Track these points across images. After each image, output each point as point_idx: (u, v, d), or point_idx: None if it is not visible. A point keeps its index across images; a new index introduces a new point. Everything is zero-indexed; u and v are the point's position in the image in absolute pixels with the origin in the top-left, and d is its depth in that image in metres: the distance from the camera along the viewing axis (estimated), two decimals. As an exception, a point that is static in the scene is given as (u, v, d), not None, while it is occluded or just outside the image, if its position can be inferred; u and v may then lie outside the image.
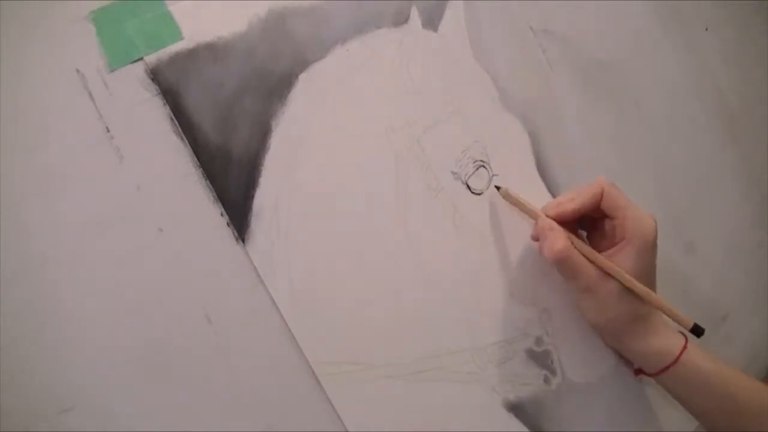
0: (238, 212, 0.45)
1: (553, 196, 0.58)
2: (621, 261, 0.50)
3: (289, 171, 0.47)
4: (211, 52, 0.45)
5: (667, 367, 0.51)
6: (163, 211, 0.43)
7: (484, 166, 0.54)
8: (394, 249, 0.50)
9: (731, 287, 0.70)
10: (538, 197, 0.57)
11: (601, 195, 0.51)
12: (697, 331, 0.50)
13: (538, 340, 0.55)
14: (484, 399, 0.51)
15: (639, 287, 0.50)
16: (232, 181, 0.45)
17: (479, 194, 0.54)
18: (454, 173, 0.53)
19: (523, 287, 0.55)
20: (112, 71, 0.43)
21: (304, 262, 0.46)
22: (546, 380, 0.54)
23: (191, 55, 0.45)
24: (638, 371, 0.56)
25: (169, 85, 0.44)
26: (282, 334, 0.45)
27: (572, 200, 0.51)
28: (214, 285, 0.44)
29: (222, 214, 0.45)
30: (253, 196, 0.45)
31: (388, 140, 0.51)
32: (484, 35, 0.57)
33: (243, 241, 0.45)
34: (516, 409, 0.53)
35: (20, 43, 0.41)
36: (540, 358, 0.55)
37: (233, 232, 0.45)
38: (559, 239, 0.49)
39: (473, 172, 0.54)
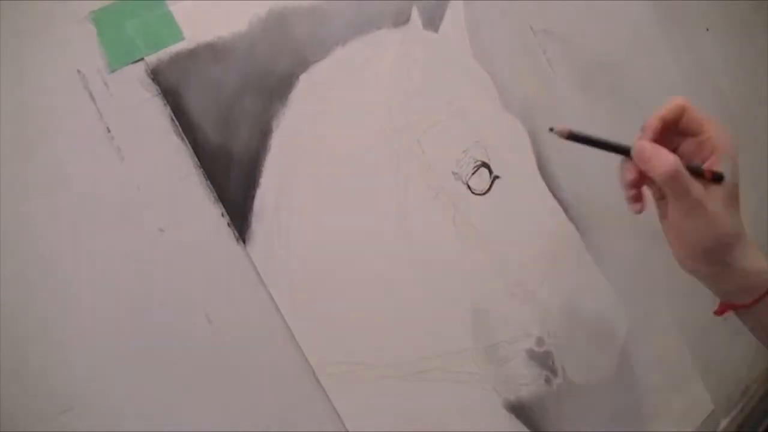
0: (238, 212, 0.45)
1: (554, 195, 0.58)
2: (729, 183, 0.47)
3: (289, 171, 0.47)
4: (211, 52, 0.45)
5: (761, 297, 0.48)
6: (164, 211, 0.43)
7: (484, 166, 0.54)
8: (395, 249, 0.50)
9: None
10: (539, 197, 0.57)
11: (682, 110, 0.48)
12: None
13: (539, 341, 0.55)
14: (485, 399, 0.51)
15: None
16: (233, 181, 0.45)
17: (480, 194, 0.54)
18: (454, 173, 0.53)
19: (523, 287, 0.55)
20: (113, 71, 0.43)
21: (305, 262, 0.46)
22: (547, 381, 0.54)
23: (192, 55, 0.45)
24: (724, 308, 0.51)
25: (169, 85, 0.44)
26: (282, 334, 0.45)
27: (655, 117, 0.48)
28: (214, 285, 0.44)
29: (222, 215, 0.45)
30: (253, 197, 0.45)
31: (388, 140, 0.51)
32: (484, 36, 0.57)
33: (244, 241, 0.45)
34: (516, 409, 0.53)
35: (21, 43, 0.41)
36: (541, 358, 0.55)
37: (234, 233, 0.45)
38: (667, 155, 0.45)
39: (473, 172, 0.54)
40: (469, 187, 0.54)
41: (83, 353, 0.40)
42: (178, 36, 0.44)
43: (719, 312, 0.52)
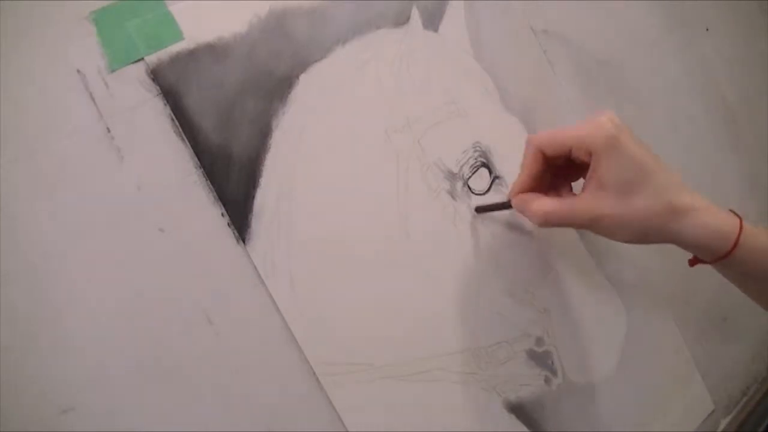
0: (238, 213, 0.45)
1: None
2: (605, 174, 0.45)
3: (289, 171, 0.47)
4: (211, 52, 0.45)
5: (726, 254, 0.47)
6: (164, 211, 0.43)
7: (484, 166, 0.54)
8: (395, 249, 0.50)
9: (731, 288, 0.69)
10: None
11: (540, 151, 0.49)
12: None
13: (539, 341, 0.55)
14: (485, 399, 0.52)
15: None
16: (233, 181, 0.45)
17: (480, 194, 0.54)
18: (454, 173, 0.53)
19: (523, 288, 0.55)
20: (113, 71, 0.43)
21: (305, 263, 0.46)
22: (546, 381, 0.54)
23: (192, 55, 0.45)
24: (694, 260, 0.51)
25: (169, 86, 0.44)
26: (282, 334, 0.45)
27: (520, 175, 0.50)
28: (214, 285, 0.44)
29: (223, 215, 0.45)
30: (253, 197, 0.45)
31: (388, 141, 0.51)
32: (484, 35, 0.57)
33: (244, 241, 0.45)
34: (516, 409, 0.53)
35: (21, 43, 0.41)
36: (540, 358, 0.55)
37: (234, 233, 0.45)
38: (533, 207, 0.48)
39: (474, 173, 0.54)
40: (469, 187, 0.54)
41: (84, 353, 0.40)
42: (178, 36, 0.44)
43: (691, 263, 0.51)
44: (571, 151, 0.47)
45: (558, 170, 0.50)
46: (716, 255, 0.47)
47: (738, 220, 0.47)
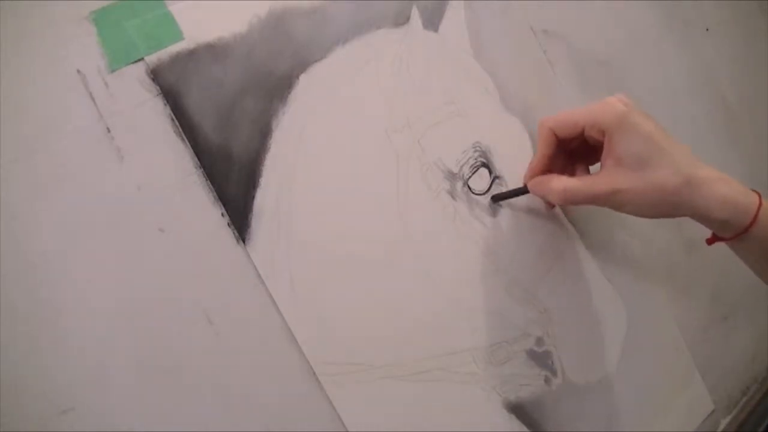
0: (238, 213, 0.45)
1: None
2: (620, 150, 0.46)
3: (289, 172, 0.47)
4: (211, 52, 0.45)
5: (745, 229, 0.46)
6: (164, 211, 0.43)
7: (484, 166, 0.54)
8: (395, 249, 0.50)
9: (731, 288, 0.70)
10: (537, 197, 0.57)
11: (553, 133, 0.50)
12: None
13: (539, 341, 0.55)
14: (485, 399, 0.51)
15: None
16: (233, 181, 0.45)
17: (480, 195, 0.54)
18: (454, 173, 0.53)
19: (523, 288, 0.55)
20: (113, 71, 0.43)
21: (305, 263, 0.46)
22: (546, 381, 0.54)
23: (192, 55, 0.45)
24: (713, 239, 0.51)
25: (169, 86, 0.44)
26: (282, 334, 0.45)
27: (535, 157, 0.51)
28: (214, 286, 0.44)
29: (222, 215, 0.45)
30: (253, 197, 0.45)
31: (388, 141, 0.51)
32: (484, 36, 0.57)
33: (244, 241, 0.45)
34: (516, 409, 0.53)
35: (21, 43, 0.41)
36: (540, 358, 0.55)
37: (234, 233, 0.45)
38: (552, 185, 0.49)
39: (474, 173, 0.54)
40: (469, 187, 0.54)
41: (83, 353, 0.40)
42: (178, 36, 0.44)
43: (709, 242, 0.51)
44: (584, 130, 0.48)
45: (572, 153, 0.52)
46: (735, 230, 0.47)
47: (757, 196, 0.47)
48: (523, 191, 0.53)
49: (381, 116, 0.51)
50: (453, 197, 0.53)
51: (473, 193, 0.54)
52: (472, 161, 0.54)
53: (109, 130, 0.42)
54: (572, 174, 0.52)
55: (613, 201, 0.48)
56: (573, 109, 0.49)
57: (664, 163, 0.46)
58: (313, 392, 0.46)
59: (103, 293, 0.41)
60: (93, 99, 0.42)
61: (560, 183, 0.49)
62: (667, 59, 0.71)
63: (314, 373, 0.46)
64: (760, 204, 0.46)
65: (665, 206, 0.47)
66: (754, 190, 0.48)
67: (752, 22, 0.81)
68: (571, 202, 0.49)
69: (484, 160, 0.54)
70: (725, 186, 0.46)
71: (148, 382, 0.41)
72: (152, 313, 0.42)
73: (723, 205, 0.46)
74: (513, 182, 0.56)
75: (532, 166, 0.52)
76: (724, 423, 0.68)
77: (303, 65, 0.48)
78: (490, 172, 0.55)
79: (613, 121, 0.46)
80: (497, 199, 0.54)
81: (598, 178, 0.48)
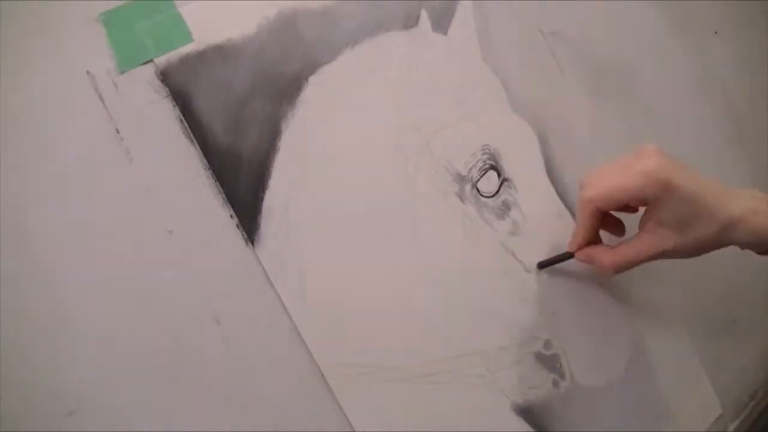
0: (247, 214, 0.45)
1: (561, 198, 0.58)
2: (663, 215, 0.49)
3: (298, 173, 0.47)
4: (220, 54, 0.45)
5: None
6: (173, 212, 0.43)
7: (493, 169, 0.54)
8: (404, 251, 0.50)
9: (740, 290, 0.69)
10: (546, 199, 0.57)
11: (597, 216, 0.51)
12: None
13: (547, 344, 0.54)
14: (493, 402, 0.51)
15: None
16: (242, 183, 0.45)
17: (489, 197, 0.54)
18: (463, 176, 0.53)
19: (531, 290, 0.55)
20: (122, 73, 0.43)
21: (314, 264, 0.46)
22: (555, 384, 0.54)
23: (201, 57, 0.45)
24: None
25: (178, 87, 0.44)
26: (291, 336, 0.45)
27: (579, 231, 0.53)
28: (223, 287, 0.44)
29: (231, 216, 0.45)
30: (262, 198, 0.45)
31: (397, 143, 0.51)
32: (493, 38, 0.57)
33: (252, 243, 0.45)
34: (525, 412, 0.52)
35: (30, 44, 0.41)
36: (549, 361, 0.54)
37: (243, 234, 0.45)
38: (602, 259, 0.52)
39: (483, 175, 0.54)
40: (477, 189, 0.53)
41: (90, 355, 0.40)
42: (187, 38, 0.44)
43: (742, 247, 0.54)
44: (628, 201, 0.50)
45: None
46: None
47: None
48: (568, 257, 0.54)
49: (390, 118, 0.51)
50: (462, 200, 0.53)
51: (482, 195, 0.54)
52: (480, 164, 0.54)
53: (118, 132, 0.42)
54: (607, 229, 0.55)
55: (657, 259, 0.51)
56: (609, 176, 0.50)
57: (704, 218, 0.48)
58: (321, 394, 0.46)
59: (111, 295, 0.41)
60: (102, 100, 0.42)
61: (608, 257, 0.52)
62: (675, 62, 0.71)
63: (322, 375, 0.46)
64: None
65: (708, 249, 0.51)
66: None
67: (760, 24, 0.81)
68: (621, 272, 0.52)
69: (493, 163, 0.54)
70: (755, 218, 0.49)
71: (156, 383, 0.41)
72: (160, 315, 0.42)
73: (758, 237, 0.49)
74: (522, 185, 0.55)
75: (578, 239, 0.53)
76: (732, 427, 0.68)
77: (312, 67, 0.48)
78: (499, 175, 0.55)
79: (656, 193, 0.47)
80: (543, 266, 0.55)
81: (643, 244, 0.50)
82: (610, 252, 0.52)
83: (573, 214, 0.58)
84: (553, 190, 0.58)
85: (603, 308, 0.59)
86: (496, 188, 0.54)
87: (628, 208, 0.53)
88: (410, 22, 0.53)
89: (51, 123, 0.41)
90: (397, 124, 0.51)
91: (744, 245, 0.51)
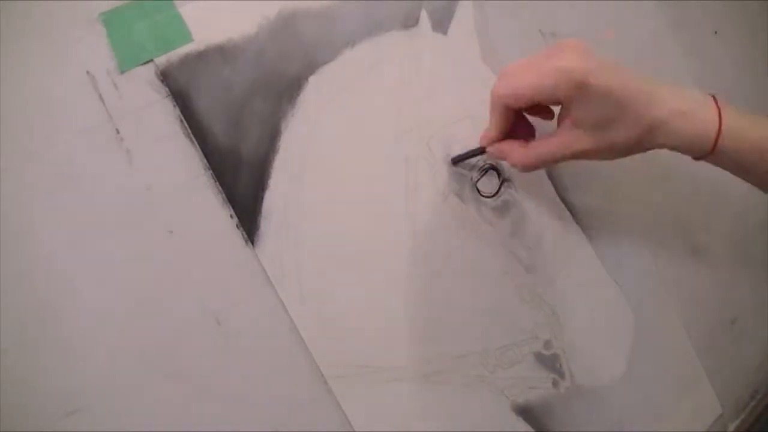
0: (247, 214, 0.45)
1: (562, 198, 0.58)
2: (577, 115, 0.45)
3: (298, 173, 0.47)
4: (220, 54, 0.45)
5: (707, 155, 0.47)
6: (173, 212, 0.43)
7: (493, 169, 0.54)
8: (403, 251, 0.50)
9: (740, 290, 0.69)
10: (547, 200, 0.57)
11: (508, 113, 0.48)
12: None
13: (547, 344, 0.55)
14: (493, 402, 0.51)
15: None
16: (242, 183, 0.45)
17: (488, 197, 0.54)
18: (463, 176, 0.53)
19: (531, 290, 0.55)
20: (122, 73, 0.43)
21: (313, 265, 0.46)
22: (554, 384, 0.54)
23: (201, 57, 0.45)
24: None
25: (178, 87, 0.44)
26: (291, 336, 0.45)
27: (491, 127, 0.49)
28: (223, 287, 0.44)
29: (231, 216, 0.45)
30: (262, 198, 0.45)
31: (397, 143, 0.51)
32: (493, 38, 0.57)
33: (252, 243, 0.45)
34: (524, 412, 0.53)
35: (30, 44, 0.41)
36: (548, 361, 0.54)
37: (242, 234, 0.45)
38: (512, 157, 0.49)
39: (482, 175, 0.54)
40: (478, 190, 0.54)
41: (90, 355, 0.40)
42: (187, 38, 0.44)
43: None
44: (540, 101, 0.46)
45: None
46: (699, 155, 0.48)
47: (716, 116, 0.47)
48: (480, 152, 0.52)
49: (390, 118, 0.51)
50: (461, 199, 0.53)
51: (482, 195, 0.54)
52: (480, 163, 0.54)
53: (118, 132, 0.42)
54: (523, 130, 0.51)
55: (574, 159, 0.48)
56: (523, 73, 0.46)
57: (626, 120, 0.45)
58: (321, 394, 0.46)
59: (110, 294, 0.41)
60: (102, 100, 0.42)
61: (520, 154, 0.49)
62: (675, 62, 0.71)
63: (322, 375, 0.46)
64: (719, 132, 0.46)
65: (629, 153, 0.48)
66: (712, 96, 0.48)
67: (760, 24, 0.81)
68: (532, 169, 0.50)
69: (493, 163, 0.54)
70: (682, 121, 0.46)
71: (155, 383, 0.41)
72: (160, 315, 0.42)
73: (682, 141, 0.47)
74: (522, 185, 0.55)
75: (490, 134, 0.50)
76: (732, 426, 0.68)
77: (312, 67, 0.48)
78: (499, 175, 0.55)
79: (570, 94, 0.44)
80: (456, 161, 0.53)
81: (558, 143, 0.47)
82: (523, 148, 0.49)
83: (573, 214, 0.58)
84: (553, 190, 0.58)
85: (602, 309, 0.59)
86: (496, 188, 0.54)
87: (545, 108, 0.50)
88: (410, 22, 0.53)
89: (51, 123, 0.41)
90: (396, 124, 0.51)
91: (672, 148, 0.48)
